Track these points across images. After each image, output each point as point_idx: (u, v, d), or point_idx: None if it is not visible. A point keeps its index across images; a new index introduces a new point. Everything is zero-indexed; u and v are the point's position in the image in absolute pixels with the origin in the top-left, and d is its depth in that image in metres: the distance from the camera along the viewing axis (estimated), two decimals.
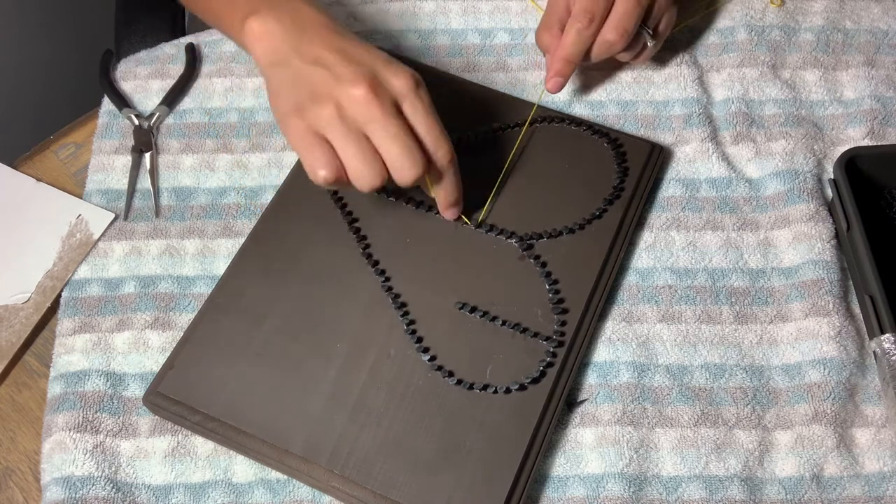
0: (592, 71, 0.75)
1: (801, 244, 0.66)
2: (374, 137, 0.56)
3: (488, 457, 0.57)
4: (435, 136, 0.58)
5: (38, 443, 0.60)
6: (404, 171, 0.57)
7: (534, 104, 0.71)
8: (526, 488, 0.56)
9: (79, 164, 0.72)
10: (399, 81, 0.58)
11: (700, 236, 0.67)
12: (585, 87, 0.74)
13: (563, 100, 0.74)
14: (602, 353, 0.62)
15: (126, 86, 0.75)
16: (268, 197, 0.69)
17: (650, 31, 0.70)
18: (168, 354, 0.61)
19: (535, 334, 0.61)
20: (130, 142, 0.72)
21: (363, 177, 0.57)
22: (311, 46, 0.58)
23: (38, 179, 0.71)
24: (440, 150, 0.59)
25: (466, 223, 0.66)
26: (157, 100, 0.74)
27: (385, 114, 0.56)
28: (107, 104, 0.74)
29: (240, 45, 0.63)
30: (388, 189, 0.67)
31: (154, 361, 0.62)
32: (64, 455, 0.58)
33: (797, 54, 0.75)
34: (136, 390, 0.61)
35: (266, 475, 0.58)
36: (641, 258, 0.66)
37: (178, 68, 0.75)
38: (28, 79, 1.21)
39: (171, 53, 0.77)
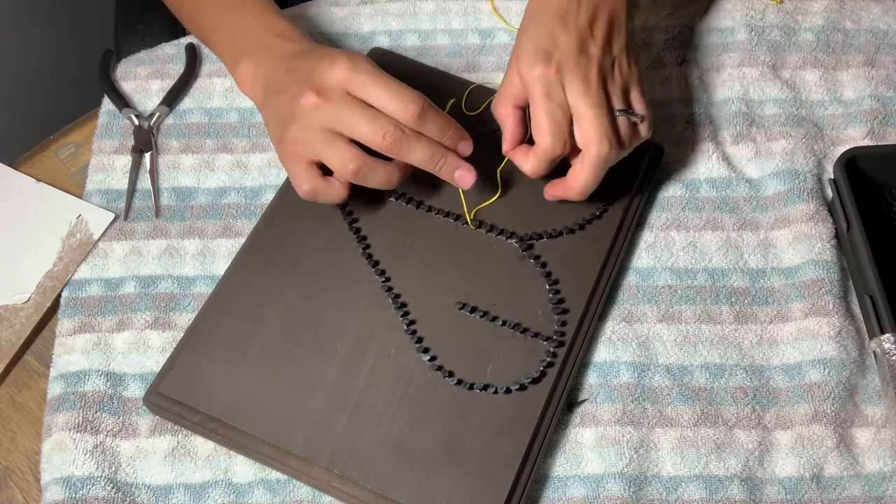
0: None
1: (801, 244, 0.66)
2: (342, 130, 0.59)
3: (488, 457, 0.57)
4: (392, 96, 0.58)
5: (38, 443, 0.60)
6: (377, 139, 0.58)
7: None
8: (526, 488, 0.56)
9: (79, 164, 0.72)
10: (336, 72, 0.59)
11: (700, 236, 0.67)
12: None
13: None
14: (602, 353, 0.62)
15: (126, 86, 0.75)
16: (268, 197, 0.69)
17: (633, 113, 0.61)
18: (168, 354, 0.61)
19: (536, 334, 0.61)
20: (130, 142, 0.72)
21: (345, 167, 0.59)
22: (275, 79, 0.62)
23: (38, 179, 0.71)
24: (404, 106, 0.58)
25: (467, 223, 0.66)
26: (157, 100, 0.74)
27: (338, 107, 0.58)
28: (107, 104, 0.74)
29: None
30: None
31: (154, 361, 0.62)
32: (64, 455, 0.58)
33: (797, 54, 0.75)
34: (136, 390, 0.61)
35: (266, 475, 0.58)
36: (641, 258, 0.66)
37: (178, 68, 0.75)
38: (28, 79, 1.21)
39: (171, 53, 0.76)
